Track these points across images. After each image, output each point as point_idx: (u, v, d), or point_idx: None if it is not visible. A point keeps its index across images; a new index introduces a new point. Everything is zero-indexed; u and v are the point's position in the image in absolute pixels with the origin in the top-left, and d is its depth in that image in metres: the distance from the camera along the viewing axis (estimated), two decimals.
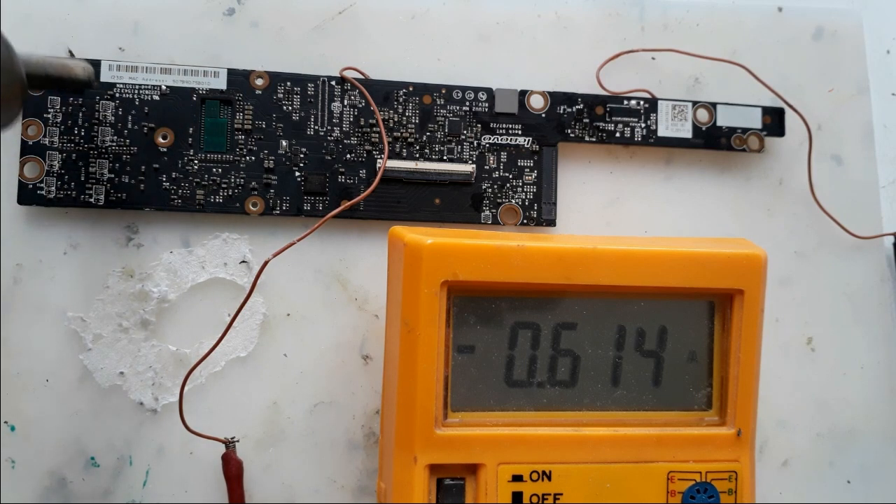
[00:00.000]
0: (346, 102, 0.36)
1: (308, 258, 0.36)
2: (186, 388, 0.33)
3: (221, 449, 0.34)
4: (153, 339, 0.35)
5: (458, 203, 0.37)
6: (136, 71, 0.35)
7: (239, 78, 0.36)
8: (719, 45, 0.40)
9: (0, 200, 0.34)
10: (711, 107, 0.39)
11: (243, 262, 0.36)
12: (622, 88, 0.39)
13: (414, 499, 0.29)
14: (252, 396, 0.35)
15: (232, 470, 0.33)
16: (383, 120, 0.36)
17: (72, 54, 0.35)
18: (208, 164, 0.35)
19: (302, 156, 0.36)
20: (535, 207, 0.37)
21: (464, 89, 0.37)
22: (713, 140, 0.39)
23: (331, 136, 0.36)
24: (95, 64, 0.34)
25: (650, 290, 0.31)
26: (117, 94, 0.35)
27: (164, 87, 0.35)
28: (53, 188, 0.34)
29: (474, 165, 0.37)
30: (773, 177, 0.40)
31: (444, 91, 0.37)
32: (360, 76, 0.37)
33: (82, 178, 0.34)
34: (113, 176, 0.34)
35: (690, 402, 0.32)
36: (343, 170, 0.36)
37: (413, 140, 0.36)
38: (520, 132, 0.37)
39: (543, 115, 0.37)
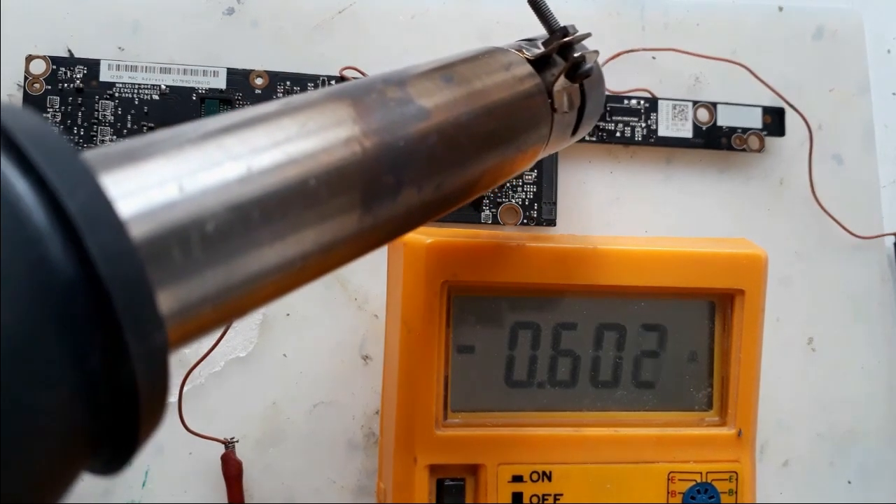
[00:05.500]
0: None
1: None
2: (186, 388, 0.32)
3: (221, 449, 0.34)
4: None
5: None
6: (136, 70, 0.35)
7: (238, 77, 0.35)
8: (720, 45, 0.40)
9: None
10: (712, 106, 0.39)
11: None
12: (622, 88, 0.39)
13: (414, 499, 0.29)
14: (252, 396, 0.35)
15: (231, 470, 0.33)
16: None
17: (72, 54, 0.35)
18: None
19: None
20: (535, 207, 0.37)
21: None
22: (713, 140, 0.39)
23: None
24: (95, 63, 0.34)
25: (650, 290, 0.31)
26: (117, 94, 0.35)
27: (163, 87, 0.35)
28: None
29: None
30: (774, 177, 0.40)
31: None
32: (360, 76, 0.37)
33: None
34: None
35: (691, 403, 0.32)
36: None
37: None
38: None
39: None
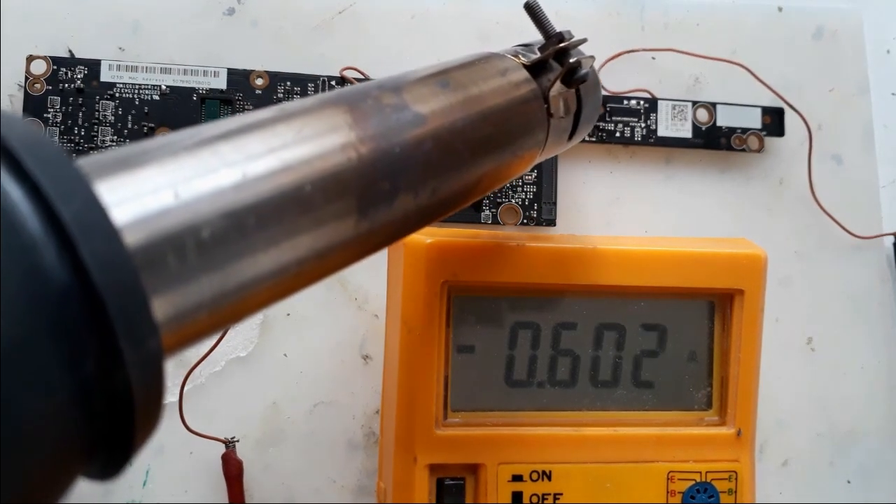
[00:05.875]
0: None
1: None
2: (186, 388, 0.33)
3: (221, 449, 0.34)
4: None
5: None
6: (136, 71, 0.35)
7: (239, 78, 0.36)
8: (719, 45, 0.40)
9: None
10: (711, 107, 0.39)
11: None
12: (622, 88, 0.39)
13: (414, 499, 0.29)
14: (252, 396, 0.35)
15: (232, 470, 0.33)
16: None
17: (72, 54, 0.35)
18: None
19: None
20: (535, 207, 0.37)
21: None
22: (713, 140, 0.39)
23: None
24: (95, 64, 0.35)
25: (650, 290, 0.31)
26: (117, 94, 0.35)
27: (164, 87, 0.35)
28: None
29: None
30: (774, 177, 0.40)
31: None
32: (361, 76, 0.37)
33: None
34: None
35: (690, 402, 0.32)
36: None
37: None
38: None
39: None
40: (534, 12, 0.26)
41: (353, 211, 0.18)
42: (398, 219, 0.20)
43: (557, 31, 0.26)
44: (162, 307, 0.14)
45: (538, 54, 0.26)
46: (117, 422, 0.13)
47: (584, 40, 0.26)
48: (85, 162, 0.14)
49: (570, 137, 0.28)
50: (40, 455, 0.12)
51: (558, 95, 0.26)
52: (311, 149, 0.17)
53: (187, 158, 0.15)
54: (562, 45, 0.25)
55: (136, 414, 0.13)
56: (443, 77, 0.22)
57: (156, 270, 0.13)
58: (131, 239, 0.13)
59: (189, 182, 0.14)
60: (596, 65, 0.39)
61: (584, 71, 0.26)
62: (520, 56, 0.26)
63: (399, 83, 0.21)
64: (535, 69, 0.25)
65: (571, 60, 0.25)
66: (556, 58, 0.26)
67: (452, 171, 0.21)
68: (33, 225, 0.12)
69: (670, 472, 0.31)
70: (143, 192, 0.14)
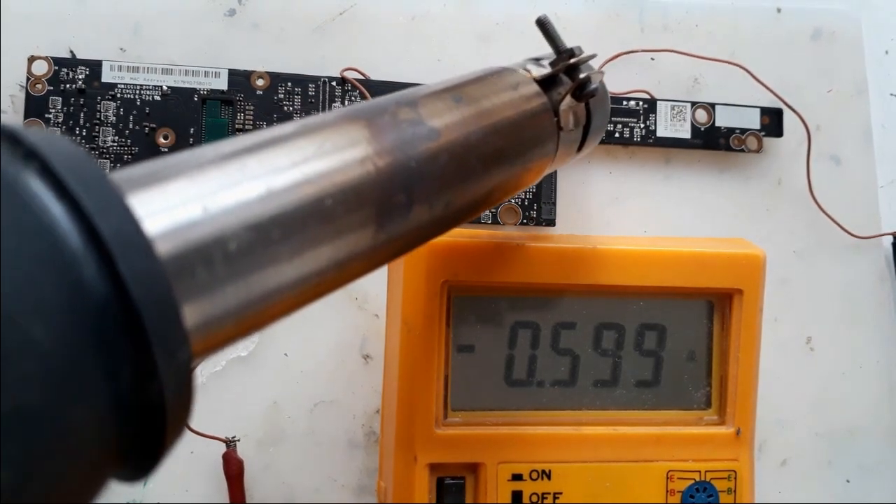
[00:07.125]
0: (346, 103, 0.36)
1: None
2: None
3: (222, 448, 0.34)
4: None
5: None
6: (138, 71, 0.35)
7: (240, 78, 0.36)
8: (718, 46, 0.40)
9: None
10: (710, 107, 0.39)
11: None
12: (621, 89, 0.39)
13: (414, 498, 0.29)
14: (252, 396, 0.35)
15: (232, 469, 0.33)
16: None
17: (73, 55, 0.35)
18: None
19: None
20: (535, 207, 0.37)
21: None
22: (712, 140, 0.39)
23: None
24: (96, 64, 0.35)
25: (650, 290, 0.31)
26: (118, 95, 0.35)
27: (165, 88, 0.35)
28: None
29: None
30: (773, 177, 0.40)
31: None
32: (361, 77, 0.37)
33: None
34: None
35: (690, 402, 0.32)
36: None
37: None
38: None
39: None
40: (545, 28, 0.27)
41: (371, 223, 0.18)
42: (413, 229, 0.20)
43: (568, 46, 0.26)
44: (191, 316, 0.14)
45: (548, 68, 0.26)
46: (149, 428, 0.13)
47: (594, 55, 0.27)
48: (116, 176, 0.14)
49: (580, 149, 0.28)
50: (80, 460, 0.12)
51: (568, 109, 0.26)
52: (332, 162, 0.18)
53: (214, 172, 0.15)
54: (573, 60, 0.26)
55: (168, 421, 0.13)
56: (457, 92, 0.23)
57: (185, 280, 0.14)
58: (162, 249, 0.13)
59: (216, 195, 0.15)
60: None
61: (593, 86, 0.26)
62: (531, 70, 0.26)
63: (415, 98, 0.21)
64: (546, 83, 0.26)
65: (581, 76, 0.26)
66: (566, 72, 0.26)
67: (466, 183, 0.22)
68: (74, 241, 0.12)
69: (669, 471, 0.31)
70: (173, 205, 0.14)
